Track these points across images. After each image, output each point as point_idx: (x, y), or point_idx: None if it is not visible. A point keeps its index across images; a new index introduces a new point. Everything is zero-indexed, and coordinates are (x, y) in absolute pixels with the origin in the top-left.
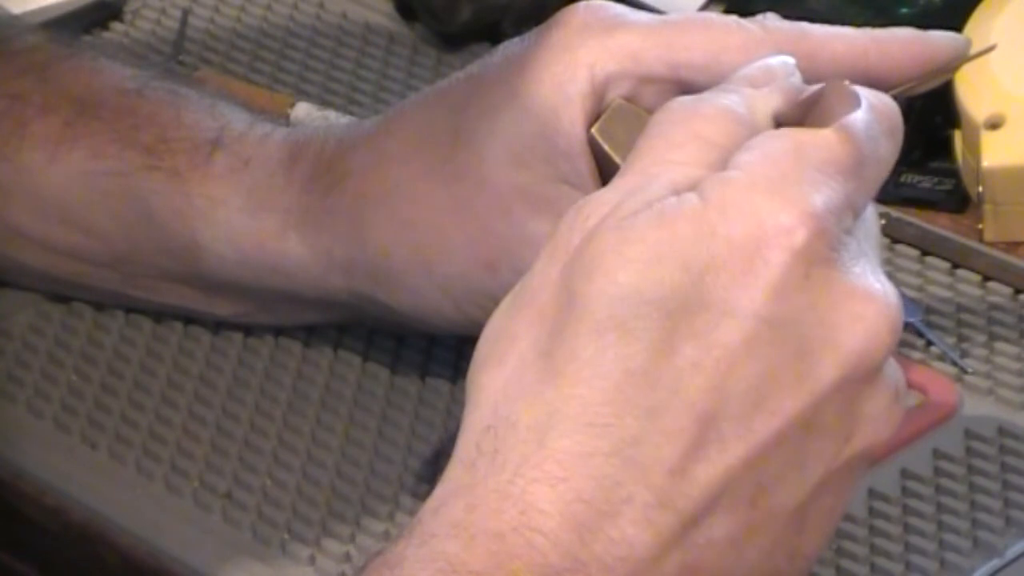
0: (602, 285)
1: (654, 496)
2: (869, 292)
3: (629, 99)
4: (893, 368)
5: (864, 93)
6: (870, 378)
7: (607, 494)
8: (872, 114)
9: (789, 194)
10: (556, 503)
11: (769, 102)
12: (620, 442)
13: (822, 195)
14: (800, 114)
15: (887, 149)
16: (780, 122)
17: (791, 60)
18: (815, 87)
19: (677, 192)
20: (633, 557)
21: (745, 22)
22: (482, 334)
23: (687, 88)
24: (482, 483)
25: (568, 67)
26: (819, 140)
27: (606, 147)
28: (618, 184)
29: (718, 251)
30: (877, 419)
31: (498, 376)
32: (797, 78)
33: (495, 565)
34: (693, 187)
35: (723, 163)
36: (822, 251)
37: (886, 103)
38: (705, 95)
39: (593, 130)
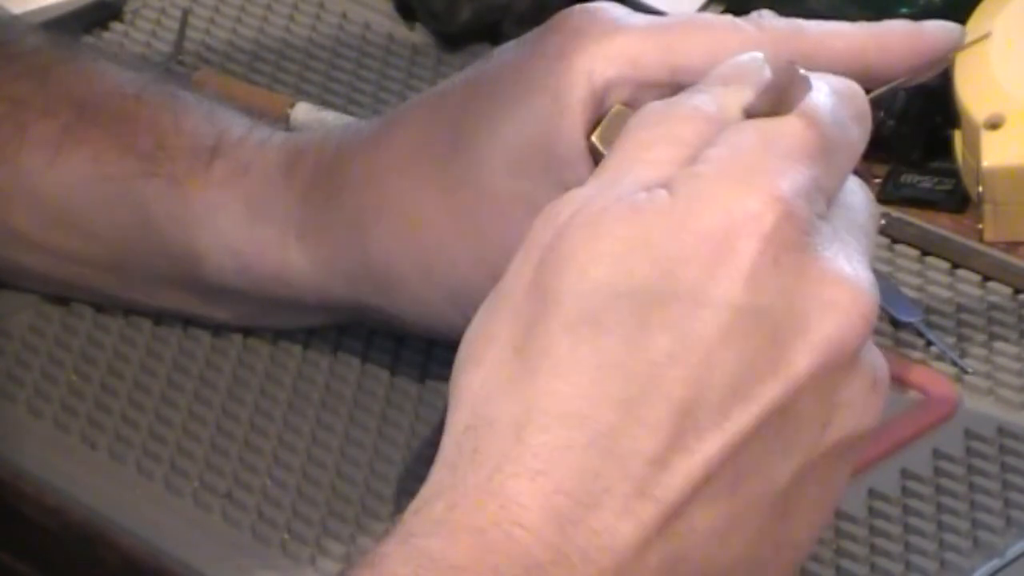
0: (573, 280)
1: (634, 487)
2: (840, 277)
3: (629, 104)
4: (874, 355)
5: (827, 79)
6: (846, 365)
7: (587, 486)
8: (837, 98)
9: (755, 182)
10: (536, 496)
11: (739, 98)
12: (597, 434)
13: (787, 179)
14: (769, 106)
15: (855, 133)
16: (751, 116)
17: (760, 55)
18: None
19: (647, 189)
20: (615, 548)
21: (742, 22)
22: (463, 337)
23: None
24: (462, 482)
25: (566, 74)
26: (783, 127)
27: (607, 154)
28: (589, 183)
29: (687, 242)
30: (855, 406)
31: (476, 376)
32: (767, 71)
33: (476, 559)
34: (663, 184)
35: (694, 161)
36: (791, 235)
37: (851, 87)
38: (676, 97)
39: (593, 138)
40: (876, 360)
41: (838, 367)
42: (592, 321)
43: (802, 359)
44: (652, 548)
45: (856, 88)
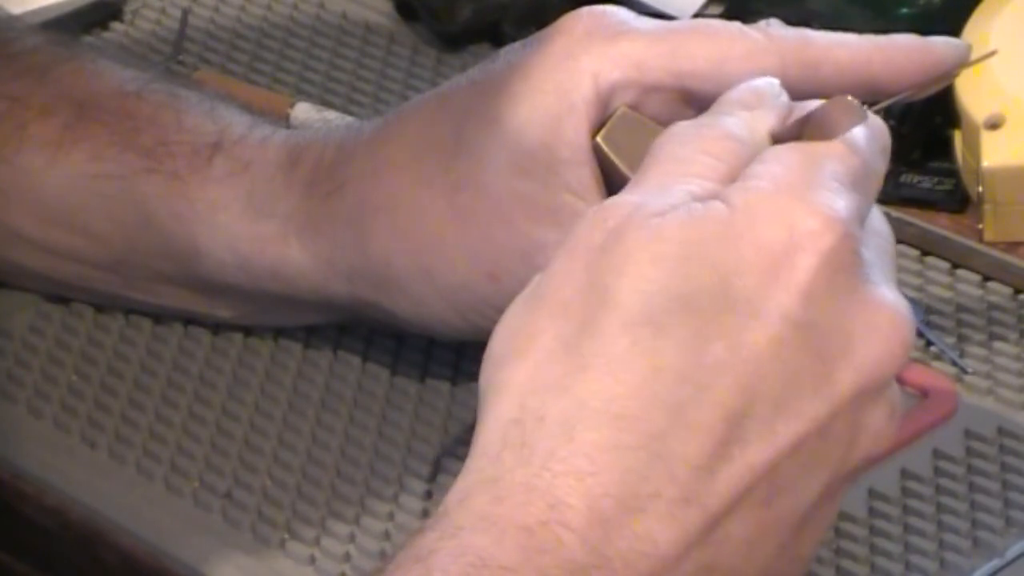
0: (634, 281)
1: (680, 492)
2: (884, 303)
3: (633, 107)
4: (892, 385)
5: None
6: (878, 391)
7: (634, 488)
8: (869, 130)
9: (813, 200)
10: (584, 497)
11: (765, 121)
12: (647, 436)
13: (843, 201)
14: (795, 131)
15: (882, 166)
16: (776, 140)
17: (776, 81)
18: (811, 104)
19: (699, 200)
20: (656, 554)
21: (748, 30)
22: (496, 332)
23: (691, 96)
24: (509, 475)
25: (572, 75)
26: (831, 151)
27: (611, 155)
28: (631, 191)
29: (746, 253)
30: (874, 431)
31: (522, 370)
32: (785, 97)
33: (524, 560)
34: (711, 197)
35: (732, 179)
36: (846, 256)
37: (879, 122)
38: (703, 118)
39: (598, 138)
40: (895, 389)
41: (872, 391)
42: (651, 322)
43: (845, 380)
44: (690, 555)
45: (882, 123)
